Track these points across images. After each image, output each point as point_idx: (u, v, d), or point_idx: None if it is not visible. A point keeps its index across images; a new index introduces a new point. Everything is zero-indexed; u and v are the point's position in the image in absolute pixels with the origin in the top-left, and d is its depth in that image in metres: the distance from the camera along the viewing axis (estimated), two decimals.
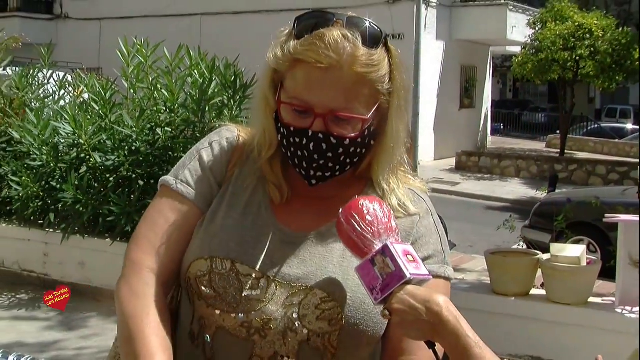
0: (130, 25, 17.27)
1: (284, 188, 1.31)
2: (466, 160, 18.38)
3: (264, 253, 1.25)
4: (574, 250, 4.01)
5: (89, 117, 5.40)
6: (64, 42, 20.56)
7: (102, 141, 5.34)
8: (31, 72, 6.50)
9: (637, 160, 17.03)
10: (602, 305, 4.01)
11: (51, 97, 6.50)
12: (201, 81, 5.08)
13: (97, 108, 5.52)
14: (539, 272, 4.14)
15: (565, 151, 19.47)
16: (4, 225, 6.01)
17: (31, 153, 5.50)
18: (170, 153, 5.15)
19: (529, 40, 18.58)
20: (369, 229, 1.16)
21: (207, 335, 1.25)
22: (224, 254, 1.24)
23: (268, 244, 1.26)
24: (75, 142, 5.39)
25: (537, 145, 23.64)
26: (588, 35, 17.50)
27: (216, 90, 5.11)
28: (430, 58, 18.19)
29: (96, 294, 5.45)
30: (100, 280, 5.48)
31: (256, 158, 1.33)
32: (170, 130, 5.19)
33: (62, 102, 6.29)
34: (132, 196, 5.11)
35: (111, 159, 5.21)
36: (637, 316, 3.77)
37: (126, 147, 5.25)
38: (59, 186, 5.28)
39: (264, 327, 1.21)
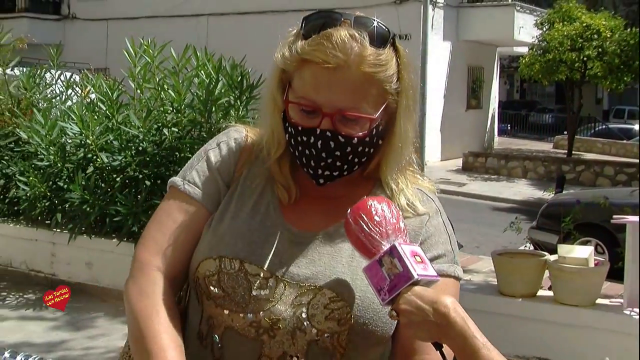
0: (137, 26, 17.32)
1: (293, 188, 1.31)
2: (473, 161, 18.35)
3: (273, 253, 1.25)
4: (581, 252, 3.99)
5: (96, 117, 5.42)
6: (71, 43, 20.63)
7: (109, 141, 5.35)
8: (38, 73, 6.52)
9: None
10: (610, 306, 4.00)
11: (58, 98, 6.52)
12: (208, 81, 5.09)
13: (104, 108, 5.53)
14: (546, 273, 4.12)
15: (573, 152, 19.41)
16: (11, 225, 6.04)
17: (38, 153, 5.52)
18: (177, 153, 5.15)
19: (537, 41, 18.53)
20: (377, 229, 1.16)
21: (216, 335, 1.25)
22: (233, 254, 1.25)
23: (277, 244, 1.26)
24: (83, 142, 5.41)
25: (544, 146, 23.57)
26: (596, 36, 17.44)
27: (223, 91, 5.11)
28: (437, 58, 18.16)
29: (103, 294, 5.46)
30: (107, 280, 5.49)
31: (265, 158, 1.33)
32: (177, 130, 5.20)
33: (69, 103, 6.31)
34: (139, 196, 5.12)
35: (118, 159, 5.22)
36: None
37: (133, 148, 5.26)
38: (66, 186, 5.30)
39: (273, 327, 1.21)
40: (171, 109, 5.33)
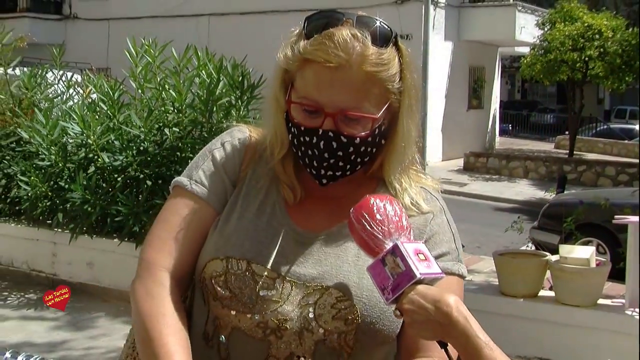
0: (139, 26, 17.31)
1: (297, 188, 1.31)
2: (474, 161, 18.34)
3: (279, 253, 1.25)
4: (583, 252, 3.99)
5: (97, 117, 5.42)
6: (72, 43, 20.61)
7: (110, 141, 5.35)
8: (40, 72, 6.52)
9: None
10: (612, 307, 4.00)
11: (60, 97, 6.52)
12: (209, 81, 5.09)
13: (106, 108, 5.54)
14: (548, 273, 4.12)
15: (574, 152, 19.40)
16: (12, 225, 6.04)
17: (40, 153, 5.53)
18: (178, 153, 5.16)
19: (538, 41, 18.52)
20: (379, 228, 1.15)
21: (222, 336, 1.25)
22: (240, 255, 1.24)
23: (283, 244, 1.26)
24: (84, 142, 5.41)
25: (545, 146, 23.55)
26: (597, 36, 17.43)
27: (224, 91, 5.12)
28: (438, 58, 18.15)
29: (104, 294, 5.47)
30: (109, 280, 5.49)
31: (268, 158, 1.32)
32: (178, 130, 5.20)
33: (70, 102, 6.32)
34: (140, 196, 5.12)
35: (119, 159, 5.23)
36: None
37: (134, 147, 5.26)
38: (67, 186, 5.30)
39: (280, 328, 1.21)
40: (172, 108, 5.33)
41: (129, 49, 5.49)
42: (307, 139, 1.24)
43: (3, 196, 6.13)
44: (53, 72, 6.65)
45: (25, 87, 6.37)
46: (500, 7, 19.42)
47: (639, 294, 3.86)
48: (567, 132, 21.23)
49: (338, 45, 1.19)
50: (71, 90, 6.53)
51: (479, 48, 20.20)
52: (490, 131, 21.93)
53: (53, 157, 5.44)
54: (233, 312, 1.23)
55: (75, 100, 6.29)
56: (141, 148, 5.24)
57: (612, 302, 4.06)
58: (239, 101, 5.12)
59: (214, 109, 5.09)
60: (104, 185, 5.31)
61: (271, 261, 1.24)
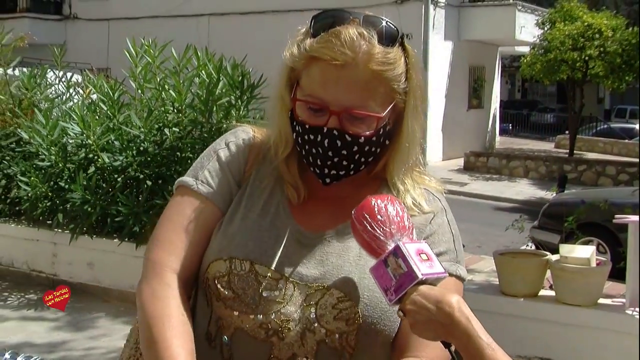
0: (139, 26, 17.32)
1: (301, 188, 1.31)
2: (474, 160, 18.34)
3: (283, 254, 1.25)
4: (583, 251, 3.99)
5: (97, 117, 5.42)
6: (72, 43, 20.62)
7: (110, 141, 5.35)
8: (39, 73, 6.52)
9: None
10: (612, 306, 3.99)
11: (59, 98, 6.52)
12: (208, 81, 5.09)
13: (105, 108, 5.54)
14: (548, 273, 4.12)
15: (575, 151, 19.39)
16: (12, 225, 6.04)
17: (40, 153, 5.52)
18: (178, 153, 5.16)
19: (538, 40, 18.52)
20: (381, 229, 1.15)
21: (225, 337, 1.25)
22: (243, 255, 1.24)
23: (286, 245, 1.26)
24: (84, 142, 5.41)
25: (545, 146, 23.55)
26: (597, 35, 17.42)
27: (223, 91, 5.12)
28: (439, 58, 18.15)
29: (104, 294, 5.47)
30: (109, 280, 5.49)
31: (272, 158, 1.32)
32: (177, 130, 5.20)
33: (70, 103, 6.31)
34: (140, 196, 5.12)
35: (119, 159, 5.22)
36: None
37: (134, 148, 5.26)
38: (67, 186, 5.30)
39: (283, 329, 1.21)
40: (172, 109, 5.33)
41: (129, 49, 5.48)
42: (312, 137, 1.24)
43: (3, 196, 6.13)
44: (54, 72, 6.65)
45: (25, 88, 6.37)
46: (500, 7, 19.41)
47: (639, 293, 3.85)
48: (567, 132, 21.22)
49: (344, 43, 1.19)
50: (71, 91, 6.52)
51: (479, 47, 20.19)
52: (490, 131, 21.92)
53: (53, 157, 5.44)
54: (236, 313, 1.23)
55: (75, 101, 6.28)
56: (141, 148, 5.23)
57: (612, 301, 4.05)
58: (239, 101, 5.12)
59: (214, 109, 5.09)
60: (104, 185, 5.31)
61: (275, 262, 1.24)
